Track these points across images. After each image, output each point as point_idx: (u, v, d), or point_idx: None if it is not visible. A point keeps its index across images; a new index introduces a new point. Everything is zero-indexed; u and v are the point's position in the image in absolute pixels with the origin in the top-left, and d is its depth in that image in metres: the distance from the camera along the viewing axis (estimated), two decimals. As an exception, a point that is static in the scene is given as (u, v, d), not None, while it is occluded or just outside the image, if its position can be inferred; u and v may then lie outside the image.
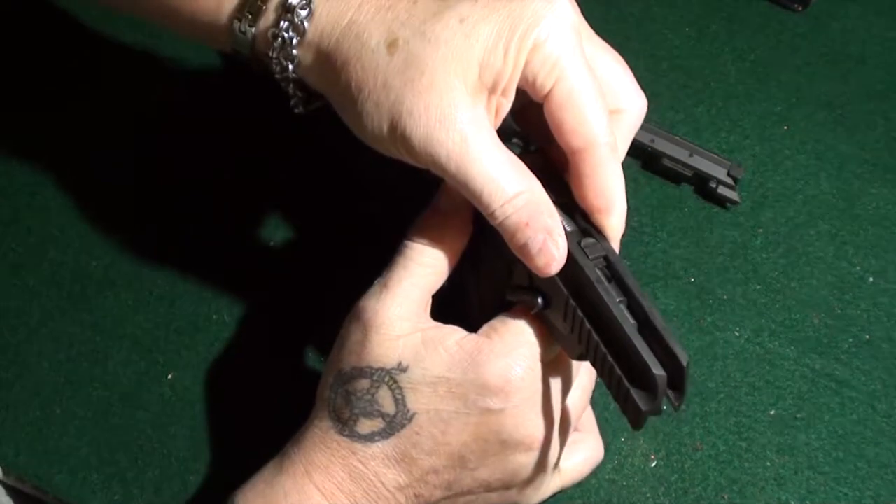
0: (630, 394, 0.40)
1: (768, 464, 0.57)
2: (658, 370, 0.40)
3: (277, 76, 0.48)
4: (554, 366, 0.47)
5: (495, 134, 0.45)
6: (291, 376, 0.60)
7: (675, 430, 0.58)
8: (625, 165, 0.66)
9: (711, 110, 0.69)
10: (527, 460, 0.47)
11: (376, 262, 0.66)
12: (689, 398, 0.58)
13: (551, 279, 0.44)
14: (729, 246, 0.64)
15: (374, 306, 0.48)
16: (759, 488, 0.57)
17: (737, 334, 0.61)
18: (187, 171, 0.67)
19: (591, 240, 0.43)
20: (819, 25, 0.72)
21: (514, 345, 0.46)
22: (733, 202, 0.64)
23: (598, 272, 0.42)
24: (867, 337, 0.61)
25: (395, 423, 0.46)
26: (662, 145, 0.64)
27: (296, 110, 0.51)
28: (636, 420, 0.41)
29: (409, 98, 0.43)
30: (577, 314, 0.43)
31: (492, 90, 0.44)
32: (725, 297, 0.62)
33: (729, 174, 0.64)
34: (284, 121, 0.70)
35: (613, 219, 0.45)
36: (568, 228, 0.44)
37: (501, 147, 0.44)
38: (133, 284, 0.63)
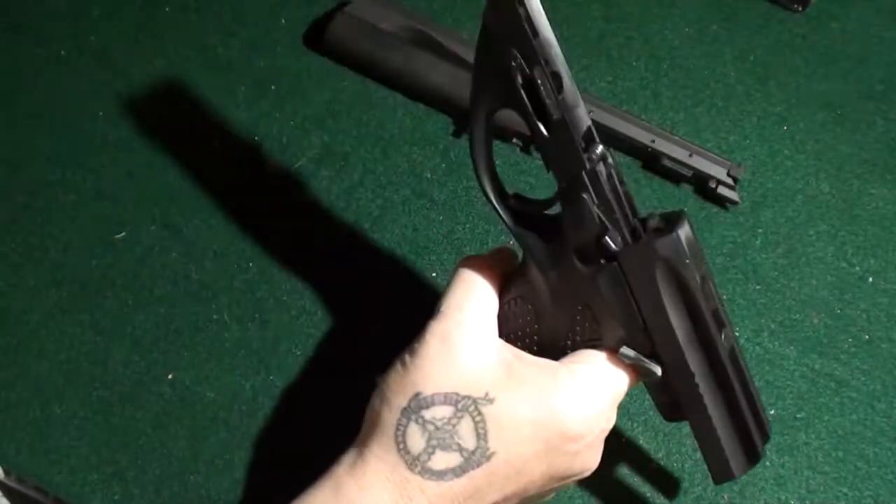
0: (728, 462, 0.47)
1: (768, 464, 0.57)
2: (762, 448, 0.46)
3: None
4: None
5: None
6: (291, 376, 0.60)
7: (675, 430, 0.58)
8: (625, 166, 0.66)
9: (711, 110, 0.69)
10: (574, 481, 0.48)
11: (374, 261, 0.66)
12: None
13: (682, 356, 0.45)
14: (729, 246, 0.64)
15: (456, 329, 0.45)
16: (759, 488, 0.57)
17: (737, 334, 0.61)
18: (187, 170, 0.67)
19: (727, 328, 0.45)
20: (819, 25, 0.72)
21: (594, 387, 0.46)
22: (733, 202, 0.64)
23: (727, 359, 0.45)
24: (867, 337, 0.61)
25: (472, 461, 0.44)
26: (662, 145, 0.64)
27: None
28: (724, 481, 0.47)
29: None
30: (697, 393, 0.45)
31: None
32: (725, 297, 0.62)
33: (729, 174, 0.64)
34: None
35: None
36: (709, 316, 0.45)
37: None
38: (133, 284, 0.63)
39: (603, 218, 0.44)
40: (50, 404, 0.60)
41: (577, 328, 0.47)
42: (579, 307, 0.47)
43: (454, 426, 0.44)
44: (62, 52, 0.72)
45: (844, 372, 0.60)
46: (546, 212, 0.47)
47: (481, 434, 0.43)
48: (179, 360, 0.61)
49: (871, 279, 0.63)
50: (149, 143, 0.68)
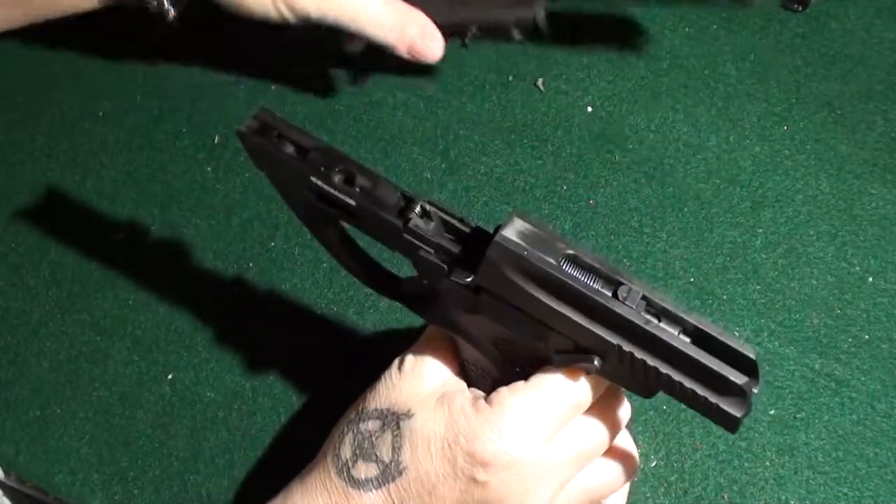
0: (721, 407, 0.42)
1: (768, 464, 0.57)
2: (738, 377, 0.41)
3: None
4: (568, 448, 0.46)
5: None
6: (291, 376, 0.61)
7: (674, 430, 0.58)
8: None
9: (711, 110, 0.69)
10: None
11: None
12: (689, 398, 0.58)
13: (596, 335, 0.43)
14: (729, 246, 0.64)
15: (415, 358, 0.49)
16: (759, 488, 0.57)
17: (737, 334, 0.61)
18: (187, 170, 0.67)
19: (624, 286, 0.43)
20: (819, 25, 0.72)
21: (514, 420, 0.44)
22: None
23: (644, 314, 0.42)
24: (867, 337, 0.61)
25: (388, 473, 0.45)
26: None
27: (169, 16, 0.51)
28: (735, 427, 0.42)
29: None
30: (635, 358, 0.43)
31: None
32: (725, 297, 0.62)
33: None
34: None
35: None
36: (594, 286, 0.43)
37: None
38: (133, 284, 0.64)
39: (442, 260, 0.45)
40: (50, 404, 0.60)
41: (511, 360, 0.48)
42: (494, 344, 0.47)
43: (377, 438, 0.46)
44: (63, 52, 0.72)
45: (844, 372, 0.60)
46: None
47: (396, 448, 0.46)
48: (179, 360, 0.61)
49: (871, 279, 0.63)
50: (149, 143, 0.68)
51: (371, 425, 0.47)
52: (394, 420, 0.46)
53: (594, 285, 0.42)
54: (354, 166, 0.45)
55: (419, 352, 0.49)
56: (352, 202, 0.45)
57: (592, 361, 0.44)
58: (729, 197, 0.66)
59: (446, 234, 0.45)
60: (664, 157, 0.67)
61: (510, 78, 0.70)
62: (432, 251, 0.45)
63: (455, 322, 0.48)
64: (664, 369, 0.42)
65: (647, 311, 0.42)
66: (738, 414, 0.41)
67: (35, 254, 0.65)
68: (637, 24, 0.72)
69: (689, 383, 0.42)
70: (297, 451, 0.58)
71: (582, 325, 0.43)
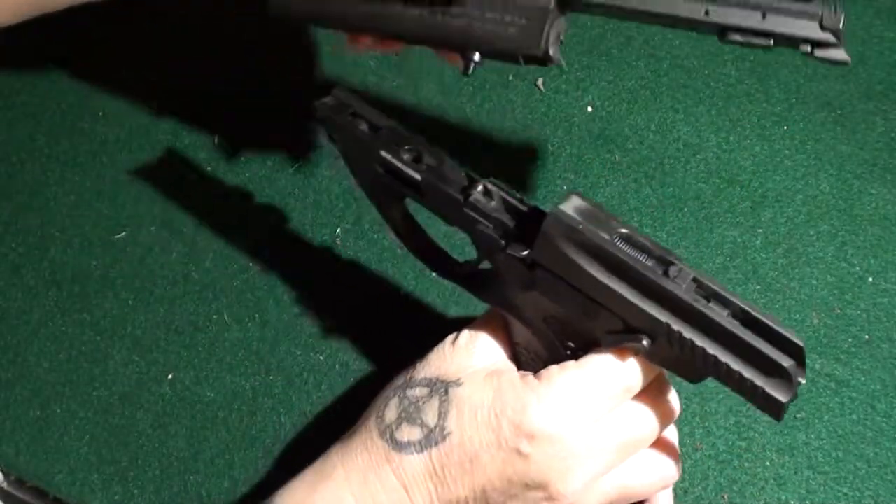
0: (766, 391, 0.41)
1: (768, 464, 0.57)
2: (786, 360, 0.41)
3: None
4: (614, 433, 0.46)
5: None
6: (291, 376, 0.60)
7: (675, 430, 0.58)
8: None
9: (711, 110, 0.69)
10: None
11: (374, 261, 0.66)
12: (689, 398, 0.58)
13: (646, 313, 0.43)
14: (729, 246, 0.64)
15: (469, 334, 0.50)
16: (759, 488, 0.57)
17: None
18: (187, 170, 0.67)
19: (675, 266, 0.43)
20: (819, 25, 0.72)
21: (562, 396, 0.45)
22: (843, 63, 0.46)
23: (694, 294, 0.42)
24: (867, 337, 0.61)
25: (431, 437, 0.46)
26: (721, 14, 0.46)
27: None
28: (780, 413, 0.42)
29: None
30: (684, 338, 0.43)
31: None
32: (725, 297, 0.62)
33: (823, 26, 0.44)
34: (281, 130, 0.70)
35: None
36: (648, 263, 0.43)
37: None
38: (133, 284, 0.64)
39: (500, 235, 0.46)
40: (50, 404, 0.60)
41: (562, 341, 0.48)
42: (546, 322, 0.48)
43: (423, 404, 0.47)
44: (63, 52, 0.72)
45: (844, 372, 0.60)
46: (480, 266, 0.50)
47: (442, 413, 0.46)
48: (179, 360, 0.61)
49: (871, 279, 0.63)
50: (148, 143, 0.68)
51: (419, 391, 0.47)
52: (442, 387, 0.47)
53: (646, 263, 0.43)
54: (423, 145, 0.48)
55: (475, 329, 0.50)
56: (418, 177, 0.47)
57: (641, 341, 0.44)
58: (729, 197, 0.66)
59: (506, 212, 0.46)
60: (664, 157, 0.67)
61: (510, 78, 0.70)
62: (491, 226, 0.46)
63: (509, 300, 0.49)
64: (712, 350, 0.42)
65: (697, 292, 0.43)
66: (783, 399, 0.41)
67: (35, 254, 0.65)
68: (637, 24, 0.72)
69: (736, 365, 0.42)
70: (297, 451, 0.58)
71: (633, 301, 0.43)
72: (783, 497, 0.56)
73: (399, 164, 0.47)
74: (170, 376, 0.61)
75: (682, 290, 0.42)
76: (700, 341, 0.42)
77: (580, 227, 0.43)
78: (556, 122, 0.69)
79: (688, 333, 0.43)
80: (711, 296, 0.43)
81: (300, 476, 0.49)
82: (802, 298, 0.62)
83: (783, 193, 0.66)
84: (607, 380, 0.45)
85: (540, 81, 0.70)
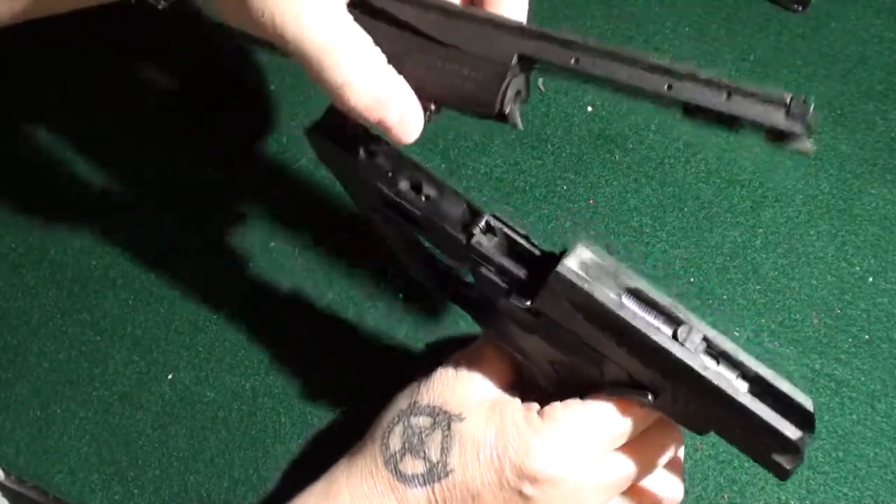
0: (773, 458, 0.41)
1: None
2: (793, 432, 0.40)
3: None
4: (613, 472, 0.46)
5: (344, 4, 0.42)
6: (291, 376, 0.60)
7: (675, 430, 0.58)
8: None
9: (711, 110, 0.69)
10: None
11: (375, 261, 0.65)
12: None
13: (652, 374, 0.42)
14: (729, 246, 0.64)
15: (473, 359, 0.49)
16: (759, 488, 0.56)
17: (737, 334, 0.61)
18: (187, 172, 0.67)
19: (684, 326, 0.42)
20: (819, 25, 0.72)
21: (565, 439, 0.44)
22: (804, 153, 0.44)
23: (703, 357, 0.41)
24: (867, 337, 0.61)
25: (434, 473, 0.46)
26: (684, 89, 0.47)
27: (158, 6, 0.48)
28: (785, 476, 0.42)
29: None
30: (690, 399, 0.42)
31: None
32: (725, 297, 0.62)
33: (789, 113, 0.41)
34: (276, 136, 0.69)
35: None
36: (655, 322, 0.42)
37: (349, 18, 0.41)
38: (133, 284, 0.63)
39: (503, 281, 0.44)
40: (50, 404, 0.60)
41: (565, 379, 0.47)
42: (550, 363, 0.47)
43: (427, 436, 0.46)
44: (63, 52, 0.72)
45: (844, 372, 0.60)
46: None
47: (445, 448, 0.46)
48: (179, 360, 0.61)
49: (871, 279, 0.63)
50: (149, 144, 0.68)
51: (422, 421, 0.47)
52: (445, 419, 0.46)
53: (654, 321, 0.42)
54: (422, 174, 0.45)
55: (479, 352, 0.49)
56: (416, 212, 0.44)
57: (646, 396, 0.43)
58: (729, 197, 0.66)
59: (509, 254, 0.44)
60: (664, 157, 0.67)
61: (510, 78, 0.70)
62: (493, 270, 0.44)
63: (511, 337, 0.47)
64: (718, 415, 0.42)
65: (707, 353, 0.42)
66: (788, 466, 0.41)
67: (35, 254, 0.65)
68: (637, 24, 0.72)
69: (742, 431, 0.42)
70: (298, 451, 0.58)
71: (638, 363, 0.42)
72: (783, 497, 0.56)
73: (396, 199, 0.45)
74: (170, 376, 0.61)
75: (691, 355, 0.41)
76: (706, 408, 0.42)
77: (585, 286, 0.41)
78: (556, 122, 0.68)
79: (694, 398, 0.42)
80: (721, 356, 0.42)
81: (307, 491, 0.49)
82: (802, 298, 0.62)
83: (783, 193, 0.66)
84: (610, 425, 0.45)
85: (540, 81, 0.70)
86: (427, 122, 0.44)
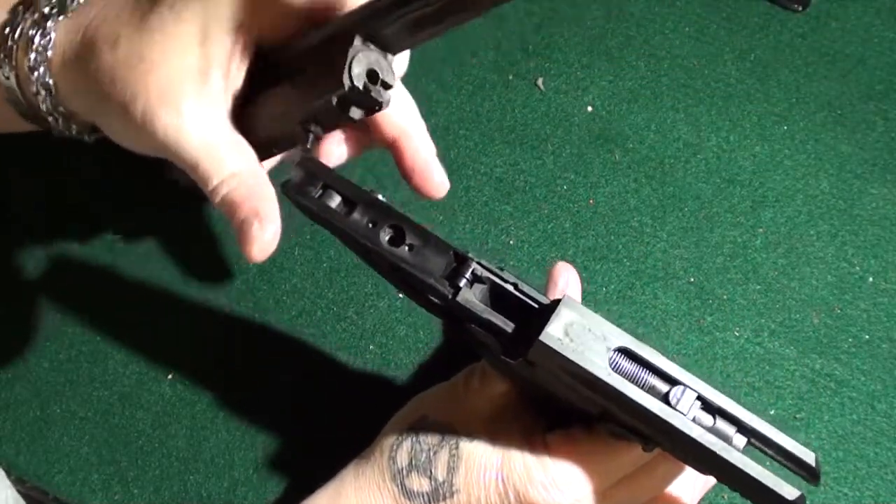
0: None
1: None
2: (790, 493, 0.41)
3: (49, 117, 0.48)
4: (624, 499, 0.47)
5: (225, 113, 0.44)
6: (291, 376, 0.60)
7: (675, 430, 0.58)
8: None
9: (711, 110, 0.69)
10: None
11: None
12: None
13: (652, 429, 0.42)
14: (729, 246, 0.64)
15: (483, 376, 0.49)
16: (758, 488, 0.57)
17: (737, 334, 0.61)
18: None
19: (678, 387, 0.41)
20: (819, 25, 0.72)
21: (568, 471, 0.45)
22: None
23: (697, 420, 0.41)
24: (867, 337, 0.61)
25: (439, 492, 0.46)
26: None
27: (90, 140, 0.51)
28: None
29: (132, 83, 0.43)
30: (688, 454, 0.42)
31: (222, 65, 0.44)
32: (725, 297, 0.62)
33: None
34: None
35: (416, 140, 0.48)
36: (648, 380, 0.41)
37: (226, 126, 0.44)
38: (133, 284, 0.63)
39: (491, 339, 0.43)
40: (50, 404, 0.60)
41: (557, 416, 0.47)
42: (544, 398, 0.47)
43: (433, 454, 0.47)
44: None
45: (844, 372, 0.60)
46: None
47: (451, 468, 0.46)
48: (179, 360, 0.61)
49: (871, 279, 0.63)
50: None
51: (431, 438, 0.47)
52: (453, 439, 0.47)
53: (646, 381, 0.41)
54: (405, 222, 0.44)
55: (488, 370, 0.49)
56: (399, 264, 0.43)
57: (646, 444, 0.44)
58: (729, 197, 0.66)
59: (497, 304, 0.43)
60: (664, 157, 0.67)
61: (510, 78, 0.70)
62: (479, 327, 0.43)
63: (511, 372, 0.47)
64: (715, 474, 0.43)
65: (703, 410, 0.41)
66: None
67: (35, 254, 0.65)
68: (637, 24, 0.72)
69: (742, 486, 0.42)
70: (298, 451, 0.58)
71: (630, 422, 0.42)
72: (783, 497, 0.56)
73: (377, 250, 0.44)
74: (170, 376, 0.61)
75: (683, 420, 0.41)
76: (704, 463, 0.42)
77: (569, 354, 0.41)
78: (556, 122, 0.69)
79: (691, 459, 0.43)
80: (717, 412, 0.41)
81: (314, 496, 0.50)
82: (802, 298, 0.62)
83: (783, 193, 0.66)
84: (613, 459, 0.46)
85: (540, 81, 0.70)
86: (309, 146, 0.46)
